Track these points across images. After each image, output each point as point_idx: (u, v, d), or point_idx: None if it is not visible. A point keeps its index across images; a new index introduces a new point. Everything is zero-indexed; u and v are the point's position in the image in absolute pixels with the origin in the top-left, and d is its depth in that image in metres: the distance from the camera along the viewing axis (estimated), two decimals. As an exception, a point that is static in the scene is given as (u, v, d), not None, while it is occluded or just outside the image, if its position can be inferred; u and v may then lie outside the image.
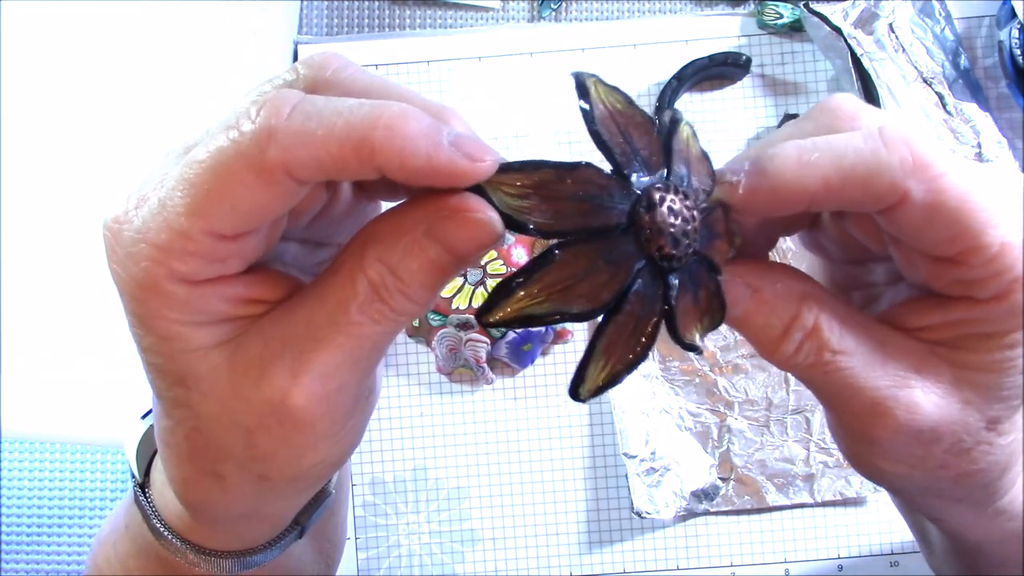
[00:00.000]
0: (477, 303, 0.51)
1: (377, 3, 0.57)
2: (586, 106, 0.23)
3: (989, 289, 0.23)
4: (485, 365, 0.52)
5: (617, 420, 0.53)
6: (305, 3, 0.57)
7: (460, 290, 0.51)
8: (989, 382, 0.24)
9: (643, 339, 0.23)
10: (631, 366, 0.23)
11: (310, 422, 0.23)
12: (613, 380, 0.23)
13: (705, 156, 0.27)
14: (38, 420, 0.42)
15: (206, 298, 0.22)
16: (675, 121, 0.26)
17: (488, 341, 0.52)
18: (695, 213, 0.24)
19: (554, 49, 0.56)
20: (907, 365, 0.24)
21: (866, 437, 0.25)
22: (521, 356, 0.52)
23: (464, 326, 0.51)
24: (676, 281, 0.23)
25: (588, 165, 0.23)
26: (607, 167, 0.23)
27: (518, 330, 0.51)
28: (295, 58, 0.56)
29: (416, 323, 0.53)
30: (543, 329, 0.51)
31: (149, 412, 0.32)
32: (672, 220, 0.23)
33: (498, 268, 0.51)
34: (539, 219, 0.22)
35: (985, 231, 0.22)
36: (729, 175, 0.25)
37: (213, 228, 0.21)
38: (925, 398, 0.24)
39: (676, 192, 0.23)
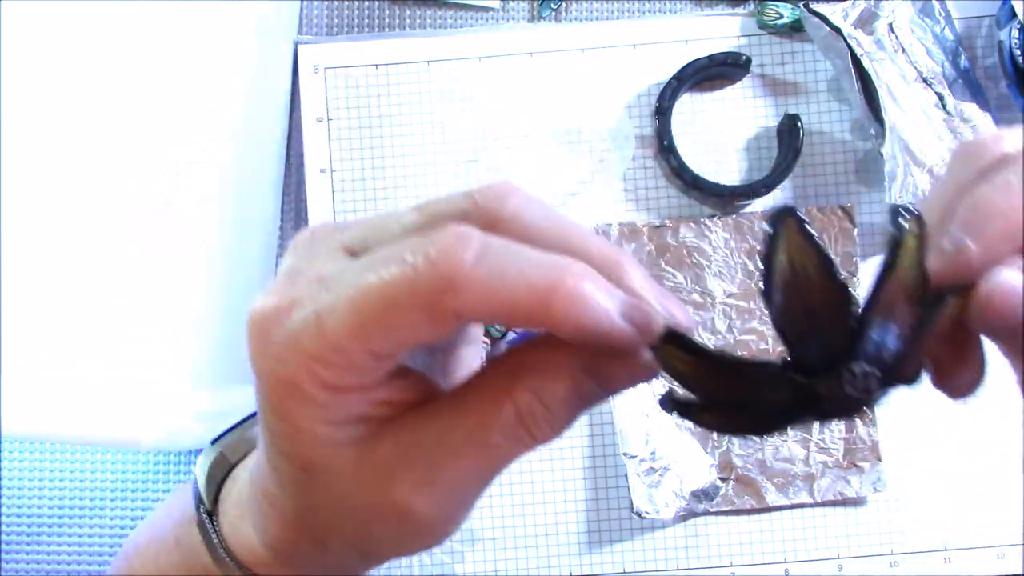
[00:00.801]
0: None
1: (377, 3, 0.57)
2: (769, 264, 0.22)
3: None
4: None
5: (617, 420, 0.53)
6: (305, 3, 0.57)
7: None
8: None
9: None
10: None
11: (430, 524, 0.24)
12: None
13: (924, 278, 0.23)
14: (38, 420, 0.42)
15: (347, 403, 0.23)
16: (887, 265, 0.22)
17: (488, 342, 0.52)
18: (877, 377, 0.22)
19: (554, 49, 0.56)
20: None
21: None
22: None
23: None
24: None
25: (762, 366, 0.22)
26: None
27: (518, 330, 0.51)
28: (295, 58, 0.56)
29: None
30: (543, 329, 0.51)
31: (220, 437, 0.32)
32: (848, 392, 0.22)
33: None
34: (699, 389, 0.23)
35: None
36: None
37: (371, 349, 0.21)
38: None
39: (855, 374, 0.22)
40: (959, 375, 0.24)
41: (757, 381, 0.23)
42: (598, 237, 0.23)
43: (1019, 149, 0.22)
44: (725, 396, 0.23)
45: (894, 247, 0.22)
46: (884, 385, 0.22)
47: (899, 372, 0.22)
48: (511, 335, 0.51)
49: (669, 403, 0.24)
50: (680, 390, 0.23)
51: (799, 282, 0.21)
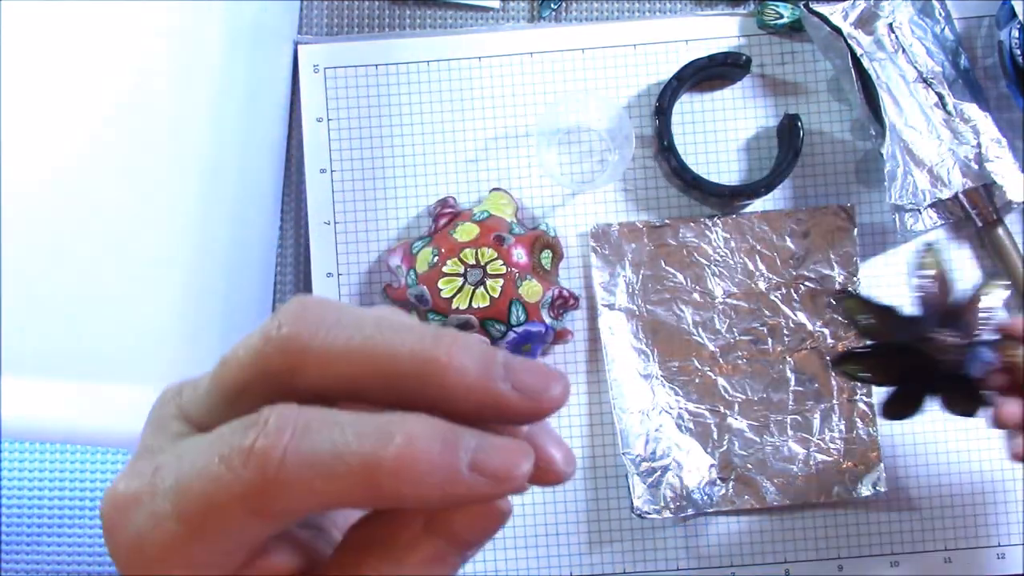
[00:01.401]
0: (477, 303, 0.51)
1: (377, 3, 0.57)
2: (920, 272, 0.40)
3: None
4: None
5: (617, 420, 0.53)
6: (305, 3, 0.57)
7: (460, 291, 0.51)
8: None
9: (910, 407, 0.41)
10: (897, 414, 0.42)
11: None
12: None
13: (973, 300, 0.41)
14: (38, 419, 0.42)
15: None
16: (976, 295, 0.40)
17: (488, 342, 0.52)
18: (964, 348, 0.39)
19: (554, 49, 0.56)
20: None
21: None
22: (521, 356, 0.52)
23: (464, 326, 0.51)
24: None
25: (914, 318, 0.40)
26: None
27: (517, 330, 0.51)
28: (295, 58, 0.56)
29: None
30: (543, 329, 0.51)
31: None
32: (943, 355, 0.39)
33: (498, 268, 0.51)
34: (877, 337, 0.41)
35: None
36: None
37: (209, 552, 0.20)
38: None
39: (947, 339, 0.39)
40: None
41: (912, 327, 0.39)
42: (411, 331, 0.19)
43: None
44: (894, 345, 0.39)
45: (986, 284, 0.41)
46: (969, 367, 0.38)
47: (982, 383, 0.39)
48: (511, 335, 0.51)
49: (839, 362, 0.42)
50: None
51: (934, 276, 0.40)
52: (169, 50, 0.45)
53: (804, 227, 0.54)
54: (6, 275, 0.41)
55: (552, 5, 0.57)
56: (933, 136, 0.53)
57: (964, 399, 0.40)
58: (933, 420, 0.54)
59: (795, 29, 0.55)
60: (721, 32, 0.56)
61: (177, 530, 0.20)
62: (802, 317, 0.54)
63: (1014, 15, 0.52)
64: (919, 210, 0.53)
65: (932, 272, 0.40)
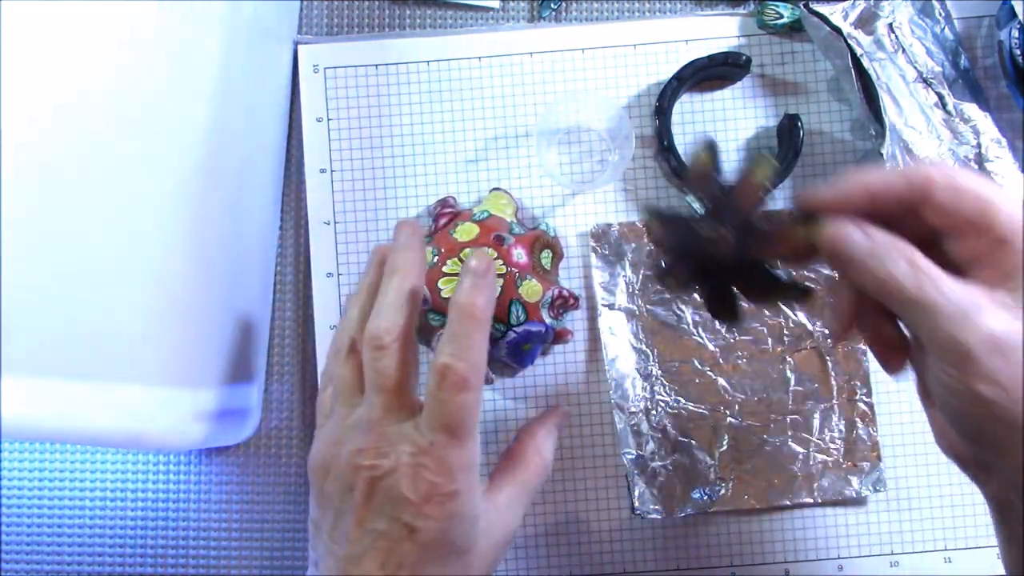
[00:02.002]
0: None
1: (377, 3, 0.57)
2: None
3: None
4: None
5: (617, 420, 0.53)
6: (305, 3, 0.57)
7: None
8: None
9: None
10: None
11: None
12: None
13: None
14: (38, 420, 0.42)
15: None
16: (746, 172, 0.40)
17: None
18: (733, 233, 0.38)
19: (554, 49, 0.56)
20: (979, 293, 0.32)
21: (959, 351, 0.31)
22: (521, 356, 0.52)
23: None
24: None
25: (694, 217, 0.39)
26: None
27: (517, 330, 0.51)
28: (295, 58, 0.56)
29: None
30: (543, 329, 0.51)
31: None
32: (725, 248, 0.39)
33: (498, 268, 0.51)
34: (667, 244, 0.40)
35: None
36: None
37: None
38: (998, 314, 0.31)
39: (715, 223, 0.39)
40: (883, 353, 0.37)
41: (693, 229, 0.39)
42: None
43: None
44: (680, 247, 0.39)
45: (754, 163, 0.39)
46: (738, 244, 0.38)
47: (757, 247, 0.38)
48: (511, 335, 0.51)
49: (660, 279, 0.41)
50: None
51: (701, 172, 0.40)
52: (169, 50, 0.45)
53: None
54: (6, 275, 0.41)
55: (552, 5, 0.57)
56: (933, 136, 0.53)
57: (758, 285, 0.39)
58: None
59: (795, 29, 0.55)
60: (721, 32, 0.56)
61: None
62: (802, 317, 0.54)
63: (1014, 15, 0.52)
64: (919, 210, 0.53)
65: (702, 168, 0.39)
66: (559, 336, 0.54)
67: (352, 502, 0.38)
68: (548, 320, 0.52)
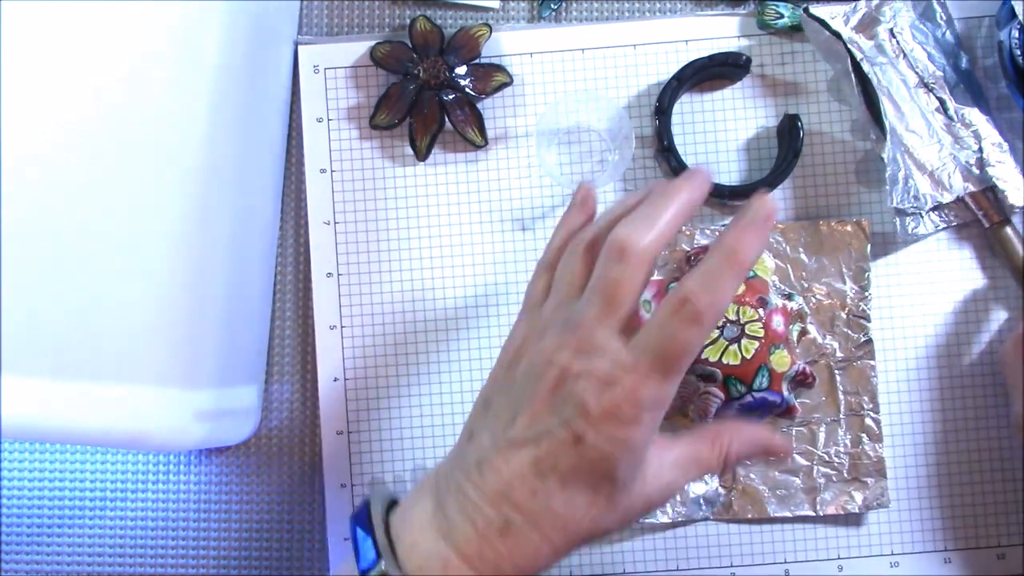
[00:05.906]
0: (728, 360, 0.50)
1: (377, 3, 0.57)
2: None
3: None
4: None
5: (617, 420, 0.53)
6: (305, 3, 0.57)
7: (713, 343, 0.50)
8: None
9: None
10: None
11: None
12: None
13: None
14: (38, 420, 0.42)
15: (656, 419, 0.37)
16: None
17: (723, 398, 0.51)
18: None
19: (554, 49, 0.56)
20: None
21: None
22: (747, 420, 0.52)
23: (707, 378, 0.50)
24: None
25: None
26: None
27: (756, 395, 0.50)
28: (295, 58, 0.56)
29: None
30: (778, 400, 0.51)
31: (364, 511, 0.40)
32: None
33: (757, 330, 0.50)
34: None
35: None
36: None
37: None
38: None
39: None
40: None
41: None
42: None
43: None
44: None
45: None
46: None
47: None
48: (749, 398, 0.50)
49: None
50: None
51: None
52: (169, 50, 0.45)
53: (818, 239, 0.54)
54: (6, 275, 0.41)
55: (552, 5, 0.57)
56: (934, 141, 0.53)
57: None
58: (933, 420, 0.54)
59: (795, 29, 0.55)
60: (721, 32, 0.56)
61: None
62: (812, 330, 0.53)
63: (1014, 15, 0.52)
64: (920, 213, 0.53)
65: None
66: (789, 411, 0.52)
67: (532, 392, 0.37)
68: (786, 393, 0.51)
